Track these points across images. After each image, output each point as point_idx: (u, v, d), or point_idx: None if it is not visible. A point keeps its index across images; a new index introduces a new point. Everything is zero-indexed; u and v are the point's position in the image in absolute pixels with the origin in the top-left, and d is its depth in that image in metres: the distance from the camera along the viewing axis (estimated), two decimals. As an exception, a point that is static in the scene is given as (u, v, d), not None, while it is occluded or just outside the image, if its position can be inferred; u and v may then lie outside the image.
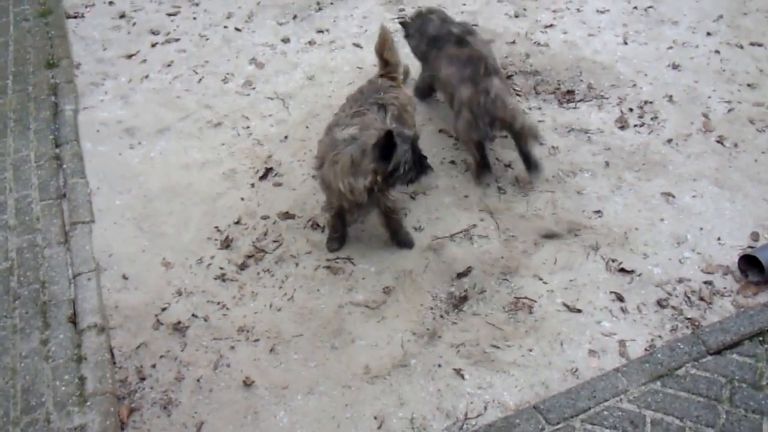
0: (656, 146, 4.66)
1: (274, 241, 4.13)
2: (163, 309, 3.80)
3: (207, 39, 5.98)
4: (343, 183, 3.53)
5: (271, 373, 3.48)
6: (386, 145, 3.42)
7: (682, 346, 3.41)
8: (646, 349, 3.47)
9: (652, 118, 4.87)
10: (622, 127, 4.81)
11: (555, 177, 4.44)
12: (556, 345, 3.52)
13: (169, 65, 5.68)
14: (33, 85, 5.53)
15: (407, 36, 4.83)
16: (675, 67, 5.35)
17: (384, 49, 4.12)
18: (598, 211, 4.21)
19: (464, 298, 3.75)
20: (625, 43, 5.62)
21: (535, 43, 5.65)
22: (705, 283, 3.78)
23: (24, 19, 6.43)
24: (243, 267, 3.99)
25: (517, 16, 5.97)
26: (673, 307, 3.66)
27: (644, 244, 4.02)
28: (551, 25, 5.85)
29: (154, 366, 3.54)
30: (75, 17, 6.45)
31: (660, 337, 3.53)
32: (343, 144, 3.55)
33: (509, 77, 5.27)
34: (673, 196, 4.30)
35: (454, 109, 4.32)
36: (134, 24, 6.29)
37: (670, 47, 5.57)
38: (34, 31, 6.24)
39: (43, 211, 4.41)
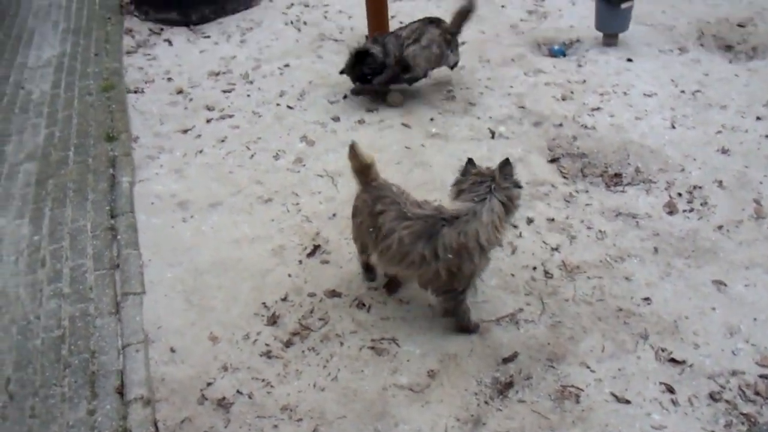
0: (706, 232, 4.60)
1: (320, 319, 4.16)
2: (209, 384, 3.82)
3: (260, 116, 6.17)
4: (497, 238, 3.66)
5: (313, 454, 3.45)
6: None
7: (737, 444, 3.30)
8: (698, 445, 3.36)
9: (701, 204, 4.84)
10: (670, 212, 4.78)
11: (602, 262, 4.40)
12: (604, 437, 3.44)
13: (222, 141, 5.87)
14: (93, 157, 5.75)
15: (375, 54, 5.93)
16: (724, 151, 5.33)
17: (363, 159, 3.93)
18: (646, 298, 4.16)
19: (510, 385, 3.70)
20: (673, 127, 5.63)
21: (582, 125, 5.69)
22: (761, 376, 3.66)
23: (88, 93, 6.74)
24: (288, 344, 4.02)
25: (564, 99, 6.05)
26: (726, 401, 3.55)
27: (695, 333, 3.94)
28: (598, 108, 5.90)
29: (197, 442, 3.55)
30: (135, 92, 6.74)
31: (713, 432, 3.42)
32: (485, 213, 3.59)
33: (556, 160, 5.31)
34: (725, 285, 4.22)
35: (423, 43, 5.92)
36: (191, 100, 6.54)
37: (719, 131, 5.56)
38: (96, 105, 6.53)
39: (96, 281, 4.52)
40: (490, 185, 3.61)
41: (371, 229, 3.81)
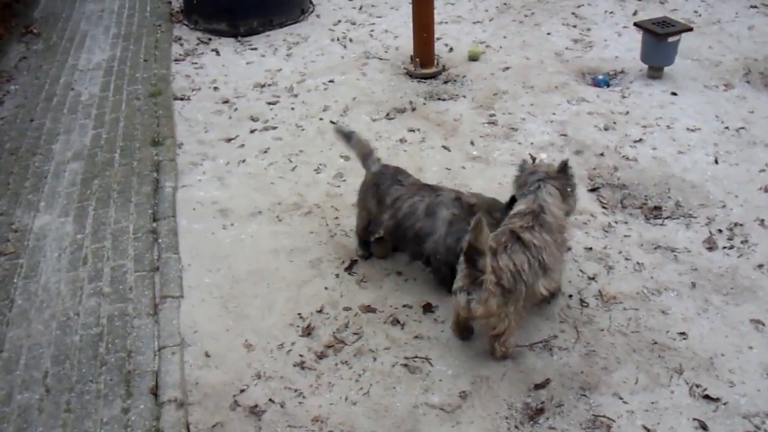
0: (746, 271, 4.56)
1: (354, 334, 4.19)
2: (242, 390, 3.87)
3: (303, 129, 6.26)
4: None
5: (342, 467, 3.47)
6: None
7: (770, 487, 3.25)
8: (730, 486, 3.32)
9: (742, 242, 4.79)
10: (710, 249, 4.74)
11: (639, 294, 4.38)
12: (634, 470, 3.41)
13: (265, 152, 5.95)
14: (138, 161, 5.87)
15: None
16: (767, 190, 5.28)
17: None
18: (682, 333, 4.12)
19: (541, 411, 3.69)
20: (716, 163, 5.59)
21: (623, 156, 5.68)
22: (797, 420, 3.62)
23: (136, 98, 6.89)
24: (322, 356, 4.05)
25: (606, 129, 6.04)
26: (761, 443, 3.51)
27: (731, 371, 3.89)
28: (640, 140, 5.89)
29: (227, 448, 3.59)
30: (182, 99, 6.88)
31: (746, 474, 3.38)
32: None
33: (596, 189, 5.31)
34: (763, 324, 4.17)
35: None
36: (236, 110, 6.65)
37: (763, 170, 5.50)
38: (143, 110, 6.66)
39: (136, 282, 4.60)
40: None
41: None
